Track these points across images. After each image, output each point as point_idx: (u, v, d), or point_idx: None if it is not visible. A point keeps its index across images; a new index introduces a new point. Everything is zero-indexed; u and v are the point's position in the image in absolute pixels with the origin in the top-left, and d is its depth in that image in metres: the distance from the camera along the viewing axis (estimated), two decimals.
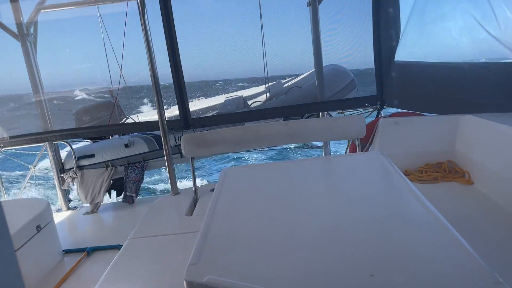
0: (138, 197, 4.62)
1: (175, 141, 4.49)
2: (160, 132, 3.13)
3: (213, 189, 2.96)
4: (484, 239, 1.99)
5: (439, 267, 0.99)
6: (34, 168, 4.70)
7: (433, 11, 3.56)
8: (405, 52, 3.71)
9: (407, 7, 3.74)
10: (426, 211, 1.24)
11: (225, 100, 7.17)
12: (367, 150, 3.20)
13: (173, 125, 4.21)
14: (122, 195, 4.63)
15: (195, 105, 7.25)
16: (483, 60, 3.13)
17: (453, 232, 1.11)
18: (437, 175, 2.83)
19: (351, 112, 4.26)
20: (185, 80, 4.11)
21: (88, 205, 4.51)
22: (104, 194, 4.57)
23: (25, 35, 4.29)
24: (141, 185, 4.73)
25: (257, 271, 1.05)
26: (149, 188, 11.06)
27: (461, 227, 1.18)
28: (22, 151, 4.81)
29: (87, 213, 4.33)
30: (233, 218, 1.39)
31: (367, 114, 4.12)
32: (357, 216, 1.31)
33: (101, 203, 4.49)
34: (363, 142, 3.21)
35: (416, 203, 1.32)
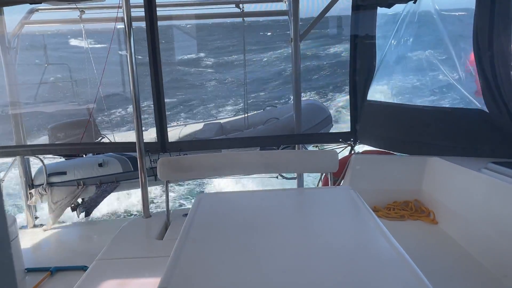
0: (106, 218, 4.55)
1: (150, 163, 4.48)
2: (137, 154, 3.14)
3: (185, 214, 2.97)
4: (445, 279, 2.07)
5: None
6: (2, 182, 4.57)
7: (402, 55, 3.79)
8: (377, 92, 3.89)
9: (385, 45, 3.96)
10: (392, 248, 1.30)
11: (204, 125, 7.21)
12: (338, 184, 3.29)
13: (149, 148, 4.20)
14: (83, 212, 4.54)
15: (173, 129, 7.26)
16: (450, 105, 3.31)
17: (416, 269, 1.17)
18: (404, 213, 2.93)
19: (326, 147, 4.38)
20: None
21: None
22: (65, 209, 4.47)
23: (7, 48, 4.27)
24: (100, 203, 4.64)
25: None
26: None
27: (424, 266, 1.25)
28: None
29: (45, 228, 4.20)
30: (205, 245, 1.42)
31: (341, 149, 4.23)
32: (326, 249, 1.36)
33: (67, 223, 4.39)
34: (335, 176, 3.30)
35: (382, 239, 1.38)
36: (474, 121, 2.98)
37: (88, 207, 4.78)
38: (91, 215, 4.73)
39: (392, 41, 3.91)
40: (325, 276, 1.18)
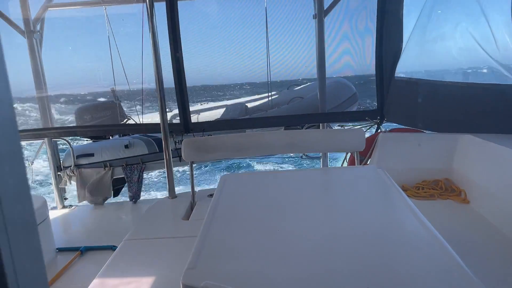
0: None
1: (175, 144, 4.50)
2: (162, 135, 3.14)
3: (210, 195, 2.98)
4: (477, 259, 2.00)
5: (433, 283, 1.00)
6: (31, 164, 4.69)
7: (434, 30, 3.61)
8: (405, 69, 3.75)
9: (410, 24, 3.80)
10: (423, 228, 1.25)
11: (227, 106, 7.19)
12: (365, 163, 3.21)
13: (173, 129, 4.22)
14: (127, 195, 4.65)
15: (196, 110, 7.26)
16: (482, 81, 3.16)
17: (448, 249, 1.12)
18: (433, 192, 2.84)
19: (351, 126, 4.29)
20: (187, 84, 4.13)
21: (85, 203, 4.52)
22: (111, 190, 4.59)
23: (31, 31, 4.31)
24: (142, 186, 4.74)
25: (254, 280, 1.06)
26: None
27: (455, 245, 1.19)
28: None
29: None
30: (232, 225, 1.40)
31: (367, 128, 4.14)
32: (354, 229, 1.32)
33: (95, 203, 4.50)
34: (362, 156, 3.23)
35: (413, 219, 1.33)
36: (510, 97, 2.84)
37: (117, 187, 4.87)
38: (119, 195, 4.81)
39: (422, 14, 3.74)
40: (354, 257, 1.14)
